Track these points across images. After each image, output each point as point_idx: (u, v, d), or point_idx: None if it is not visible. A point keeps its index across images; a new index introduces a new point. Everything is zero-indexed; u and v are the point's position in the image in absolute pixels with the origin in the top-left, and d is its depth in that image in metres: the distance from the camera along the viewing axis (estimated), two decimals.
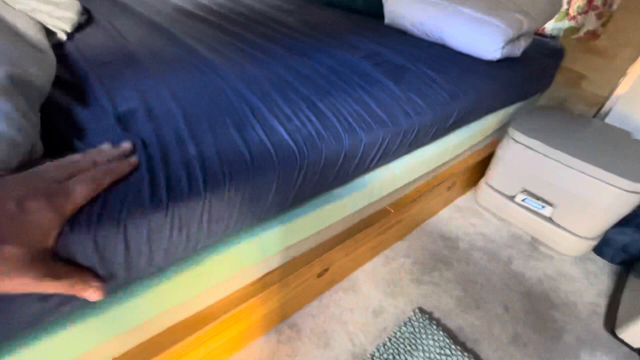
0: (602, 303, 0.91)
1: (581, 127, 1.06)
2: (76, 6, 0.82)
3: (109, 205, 0.33)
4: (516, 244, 1.07)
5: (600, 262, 1.04)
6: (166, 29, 0.84)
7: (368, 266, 0.94)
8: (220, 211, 0.41)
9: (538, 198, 1.01)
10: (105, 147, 0.39)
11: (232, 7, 1.14)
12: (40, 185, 0.29)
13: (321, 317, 0.81)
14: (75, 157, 0.35)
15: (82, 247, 0.31)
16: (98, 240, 0.32)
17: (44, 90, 0.42)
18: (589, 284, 0.96)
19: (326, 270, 0.77)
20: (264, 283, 0.61)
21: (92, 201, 0.33)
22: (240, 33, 0.90)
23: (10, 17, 0.60)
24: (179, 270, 0.44)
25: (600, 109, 1.17)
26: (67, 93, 0.51)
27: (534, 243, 1.08)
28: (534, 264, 1.01)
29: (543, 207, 0.99)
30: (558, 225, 0.98)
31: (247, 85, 0.61)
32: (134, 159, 0.38)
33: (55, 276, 0.29)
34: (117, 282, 0.36)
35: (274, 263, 0.62)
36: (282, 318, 0.77)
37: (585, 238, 0.96)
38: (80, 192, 0.31)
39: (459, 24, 0.94)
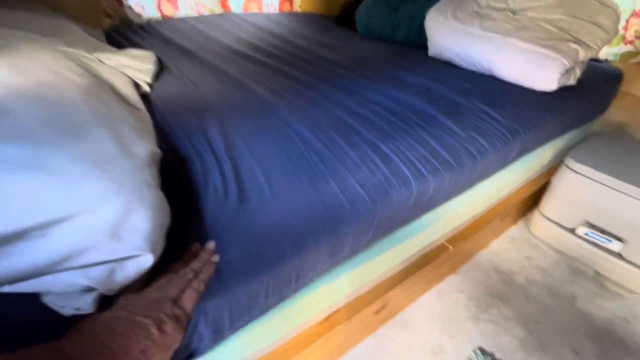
0: None
1: None
2: (153, 57, 0.92)
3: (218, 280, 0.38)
4: (579, 280, 1.01)
5: None
6: (230, 74, 0.91)
7: (421, 301, 0.92)
8: (305, 270, 0.43)
9: (603, 231, 0.95)
10: (196, 247, 0.43)
11: (281, 46, 1.22)
12: (169, 310, 0.35)
13: (378, 354, 0.80)
14: (182, 271, 0.40)
15: (196, 318, 0.37)
16: (208, 312, 0.37)
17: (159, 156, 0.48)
18: None
19: (383, 307, 0.77)
20: (330, 323, 0.62)
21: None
22: (294, 74, 0.95)
23: (107, 76, 0.69)
24: (265, 320, 0.47)
25: None
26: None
27: (599, 279, 1.01)
28: (601, 302, 0.94)
29: (610, 241, 0.94)
30: (629, 262, 0.92)
31: (311, 131, 0.64)
32: (217, 258, 0.42)
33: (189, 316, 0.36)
34: (222, 336, 0.39)
35: (340, 303, 0.63)
36: (339, 355, 0.77)
37: None
38: (192, 306, 0.38)
39: (510, 56, 0.94)
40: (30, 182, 0.30)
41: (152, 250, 0.34)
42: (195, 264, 0.40)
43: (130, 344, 0.31)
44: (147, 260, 0.33)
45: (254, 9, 1.77)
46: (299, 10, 1.91)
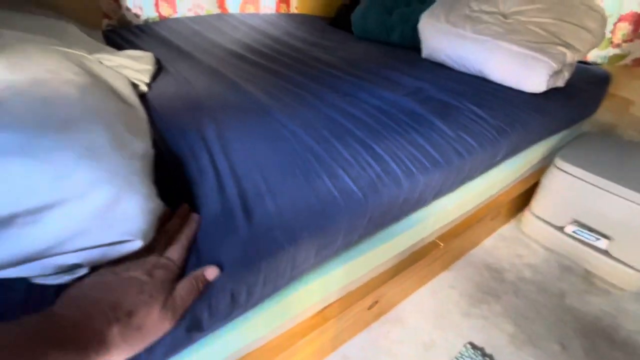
0: None
1: (633, 155, 1.03)
2: (151, 58, 0.93)
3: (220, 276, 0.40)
4: (568, 277, 1.03)
5: None
6: (225, 75, 0.93)
7: (414, 297, 0.94)
8: (300, 260, 0.45)
9: (591, 230, 0.98)
10: (167, 212, 0.45)
11: (277, 48, 1.24)
12: (153, 261, 0.38)
13: (371, 349, 0.82)
14: (167, 226, 0.43)
15: (199, 308, 0.39)
16: (212, 302, 0.39)
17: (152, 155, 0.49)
18: None
19: (376, 302, 0.79)
20: (323, 316, 0.64)
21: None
22: (289, 75, 0.97)
23: (106, 76, 0.70)
24: (261, 310, 0.49)
25: None
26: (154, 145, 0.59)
27: (587, 276, 1.03)
28: (589, 298, 0.97)
29: (598, 239, 0.96)
30: (615, 259, 0.94)
31: (305, 130, 0.66)
32: (197, 215, 0.45)
33: (182, 299, 0.37)
34: (217, 327, 0.41)
35: (333, 297, 0.65)
36: (333, 349, 0.79)
37: None
38: (178, 258, 0.40)
39: (500, 58, 0.97)
40: (20, 168, 0.31)
41: (142, 237, 0.35)
42: (169, 225, 0.43)
43: (124, 292, 0.33)
44: (135, 245, 0.35)
45: (250, 9, 1.79)
46: (295, 11, 1.93)
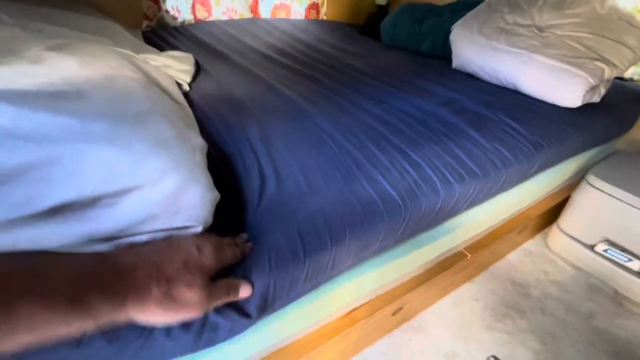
0: None
1: None
2: (191, 59, 0.97)
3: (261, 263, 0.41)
4: (597, 297, 1.01)
5: None
6: (262, 78, 0.96)
7: (437, 306, 0.94)
8: (340, 259, 0.46)
9: (623, 249, 0.95)
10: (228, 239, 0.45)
11: (309, 53, 1.26)
12: (210, 240, 0.38)
13: (393, 355, 0.82)
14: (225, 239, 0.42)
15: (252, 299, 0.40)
16: (255, 291, 0.40)
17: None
18: None
19: (400, 308, 0.79)
20: (352, 318, 0.65)
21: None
22: (322, 80, 0.99)
23: (155, 74, 0.74)
24: (296, 308, 0.50)
25: None
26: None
27: (617, 297, 1.00)
28: (620, 321, 0.94)
29: (630, 260, 0.93)
30: None
31: (343, 135, 0.68)
32: (251, 244, 0.45)
33: (217, 294, 0.36)
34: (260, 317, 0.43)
35: (362, 300, 0.66)
36: (356, 352, 0.79)
37: None
38: (229, 256, 0.40)
39: (535, 71, 0.96)
40: (107, 153, 0.34)
41: (203, 224, 0.38)
42: (234, 241, 0.42)
43: (171, 259, 0.33)
44: (196, 230, 0.38)
45: (281, 15, 1.83)
46: (324, 18, 1.97)
